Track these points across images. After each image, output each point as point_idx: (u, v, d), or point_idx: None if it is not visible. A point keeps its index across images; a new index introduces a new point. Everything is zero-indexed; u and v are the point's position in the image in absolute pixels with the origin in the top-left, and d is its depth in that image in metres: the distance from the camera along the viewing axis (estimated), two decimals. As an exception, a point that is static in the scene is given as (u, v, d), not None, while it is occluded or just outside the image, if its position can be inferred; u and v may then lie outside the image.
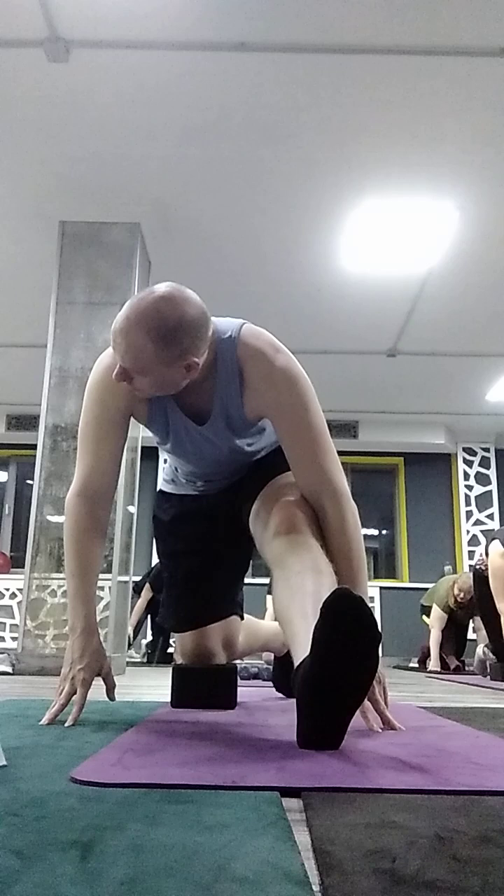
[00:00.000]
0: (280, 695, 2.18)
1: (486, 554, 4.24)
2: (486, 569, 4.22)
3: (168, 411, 1.52)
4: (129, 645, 5.62)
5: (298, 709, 1.08)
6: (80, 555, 1.51)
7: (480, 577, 4.37)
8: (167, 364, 1.33)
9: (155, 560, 6.02)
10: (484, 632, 4.63)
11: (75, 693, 1.41)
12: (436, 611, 5.91)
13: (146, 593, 6.08)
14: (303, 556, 1.35)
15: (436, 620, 5.90)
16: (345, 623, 1.01)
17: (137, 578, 5.88)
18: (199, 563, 1.82)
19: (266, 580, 5.49)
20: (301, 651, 1.12)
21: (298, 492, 1.49)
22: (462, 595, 5.66)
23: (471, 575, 5.20)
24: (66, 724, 1.33)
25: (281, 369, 1.44)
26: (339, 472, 1.48)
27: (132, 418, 1.55)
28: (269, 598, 5.42)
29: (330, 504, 1.45)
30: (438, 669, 5.71)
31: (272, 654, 2.26)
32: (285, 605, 1.30)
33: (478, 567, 4.44)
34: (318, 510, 1.46)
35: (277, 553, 1.40)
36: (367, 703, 1.31)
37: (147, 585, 6.11)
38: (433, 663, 5.80)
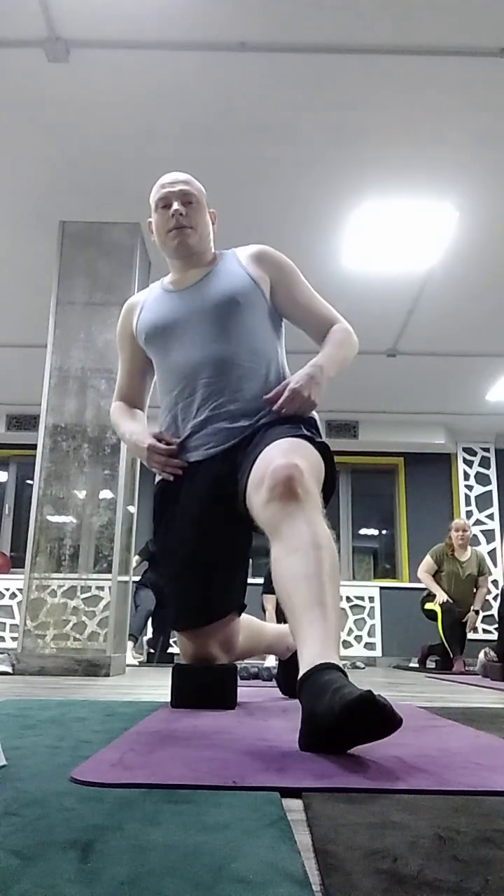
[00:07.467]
0: (282, 695, 2.17)
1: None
2: None
3: (153, 298, 1.89)
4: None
5: (303, 721, 1.07)
6: (127, 419, 1.93)
7: None
8: (203, 201, 1.88)
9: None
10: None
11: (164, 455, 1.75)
12: (426, 561, 5.91)
13: None
14: (300, 527, 1.29)
15: (424, 567, 5.90)
16: (362, 723, 0.98)
17: (137, 578, 5.87)
18: (199, 563, 1.80)
19: (263, 580, 5.43)
20: (306, 653, 1.11)
21: (291, 452, 1.44)
22: (459, 534, 5.76)
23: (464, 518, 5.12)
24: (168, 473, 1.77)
25: (269, 251, 1.88)
26: (340, 316, 1.89)
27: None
28: (265, 598, 5.34)
29: (336, 327, 1.86)
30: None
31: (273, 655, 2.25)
32: (287, 591, 1.26)
33: None
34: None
35: (273, 521, 1.34)
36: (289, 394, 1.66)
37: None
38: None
